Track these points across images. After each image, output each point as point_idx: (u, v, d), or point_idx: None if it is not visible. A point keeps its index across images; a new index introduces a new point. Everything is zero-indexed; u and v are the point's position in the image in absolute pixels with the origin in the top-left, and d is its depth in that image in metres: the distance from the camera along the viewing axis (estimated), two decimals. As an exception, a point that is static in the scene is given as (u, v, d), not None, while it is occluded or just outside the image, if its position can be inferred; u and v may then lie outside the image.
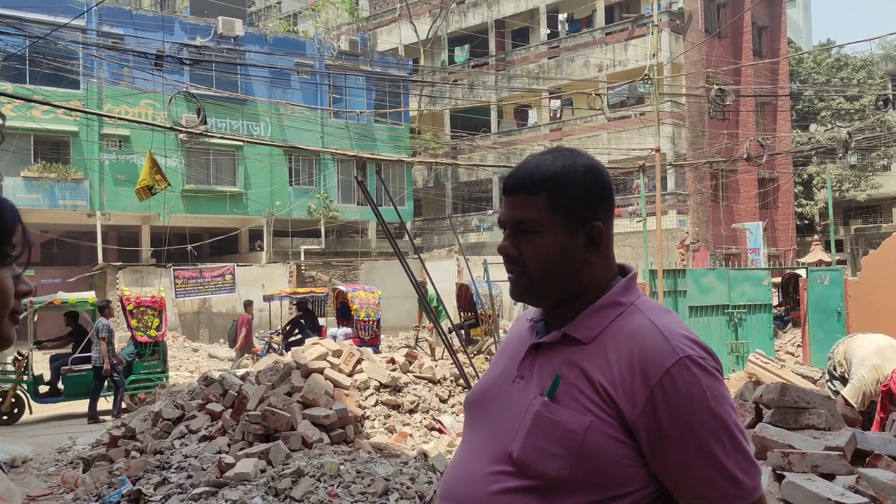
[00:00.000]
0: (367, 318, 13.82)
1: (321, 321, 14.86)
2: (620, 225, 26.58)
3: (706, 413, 1.25)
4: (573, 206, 1.36)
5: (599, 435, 1.27)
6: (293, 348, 9.86)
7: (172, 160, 24.27)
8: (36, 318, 12.83)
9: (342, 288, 14.78)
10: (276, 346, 13.97)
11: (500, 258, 1.45)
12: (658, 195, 15.37)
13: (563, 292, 1.38)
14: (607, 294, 1.38)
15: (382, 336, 21.82)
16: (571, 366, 1.33)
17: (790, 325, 17.64)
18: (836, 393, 5.44)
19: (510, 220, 1.39)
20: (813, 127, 36.98)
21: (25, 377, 11.17)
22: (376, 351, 12.07)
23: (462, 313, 16.84)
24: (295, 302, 14.40)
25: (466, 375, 5.88)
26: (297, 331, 14.02)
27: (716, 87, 19.58)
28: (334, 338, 13.90)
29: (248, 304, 14.91)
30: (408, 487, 5.48)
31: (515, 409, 1.36)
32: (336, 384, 7.90)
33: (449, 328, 14.20)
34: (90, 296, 12.21)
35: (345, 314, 14.51)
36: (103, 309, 11.59)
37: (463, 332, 15.91)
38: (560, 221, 1.36)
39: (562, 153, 1.41)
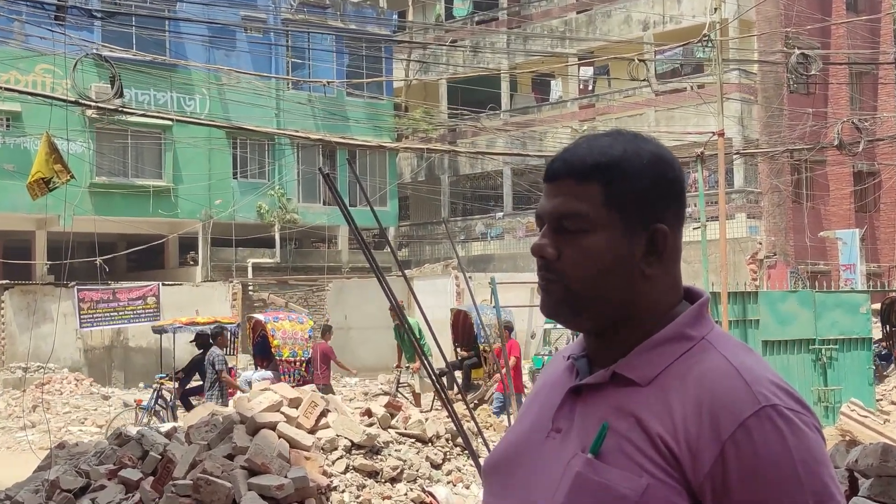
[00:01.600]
0: (292, 358, 13.87)
1: (231, 361, 14.91)
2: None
3: (791, 480, 1.26)
4: (633, 202, 1.39)
5: (658, 502, 1.28)
6: (237, 396, 9.82)
7: (78, 145, 24.27)
8: None
9: (259, 317, 14.81)
10: (167, 394, 13.94)
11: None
12: (721, 193, 15.41)
13: (609, 312, 1.40)
14: (672, 324, 1.40)
15: (356, 380, 21.80)
16: (623, 414, 1.35)
17: (895, 365, 17.66)
18: None
19: (551, 214, 1.42)
20: (926, 104, 37.14)
21: None
22: None
23: (459, 349, 16.82)
24: (191, 339, 14.47)
25: (466, 433, 5.87)
26: (196, 375, 14.11)
27: (798, 51, 19.68)
28: (248, 383, 14.00)
29: (326, 330, 15.15)
30: (388, 582, 5.44)
31: (551, 471, 1.38)
32: (293, 444, 7.87)
33: (441, 369, 14.24)
34: None
35: (265, 352, 14.52)
36: (216, 336, 12.58)
37: (461, 373, 15.87)
38: (615, 220, 1.39)
39: (623, 136, 1.44)
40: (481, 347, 15.38)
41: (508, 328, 14.37)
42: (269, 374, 13.91)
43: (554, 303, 1.42)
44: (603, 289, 1.39)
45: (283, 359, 13.85)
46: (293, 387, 13.21)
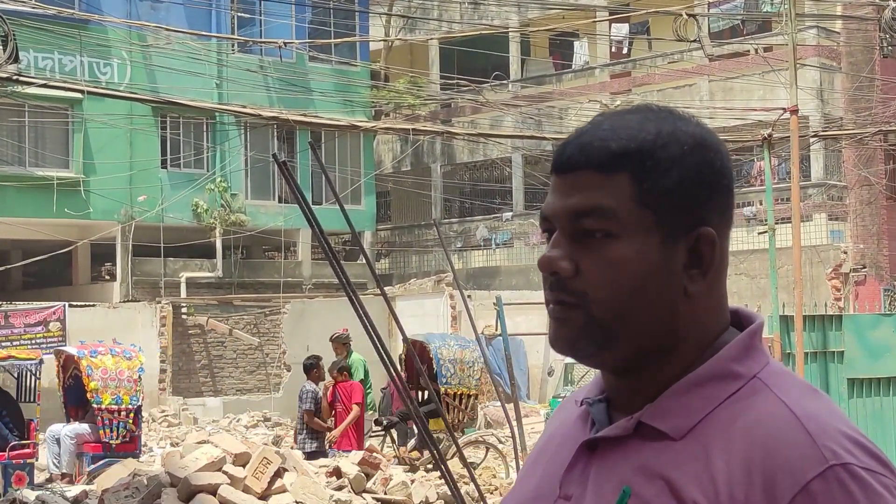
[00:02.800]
0: (115, 406, 13.69)
1: (30, 411, 14.59)
2: (731, 238, 26.55)
3: None
4: (672, 199, 1.39)
5: None
6: (167, 450, 9.79)
7: (-40, 124, 24.29)
8: None
9: (71, 351, 14.53)
10: None
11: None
12: (795, 188, 15.44)
13: (643, 344, 1.39)
14: (714, 358, 1.39)
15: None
16: (649, 475, 1.34)
17: None
18: None
19: (565, 213, 1.41)
20: None
21: None
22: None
23: (414, 390, 16.69)
24: None
25: (464, 498, 5.87)
26: None
27: (893, 3, 19.76)
28: (57, 441, 13.82)
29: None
30: None
31: None
32: (239, 513, 7.87)
33: (390, 419, 14.52)
34: None
35: (79, 398, 14.31)
36: (311, 369, 13.20)
37: (416, 423, 15.70)
38: (649, 222, 1.38)
39: (655, 113, 1.44)
40: (443, 390, 14.97)
41: (343, 368, 14.06)
42: (84, 427, 13.75)
43: (571, 334, 1.40)
44: (637, 314, 1.37)
45: (104, 407, 13.62)
46: (117, 445, 13.11)
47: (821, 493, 1.25)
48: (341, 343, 14.85)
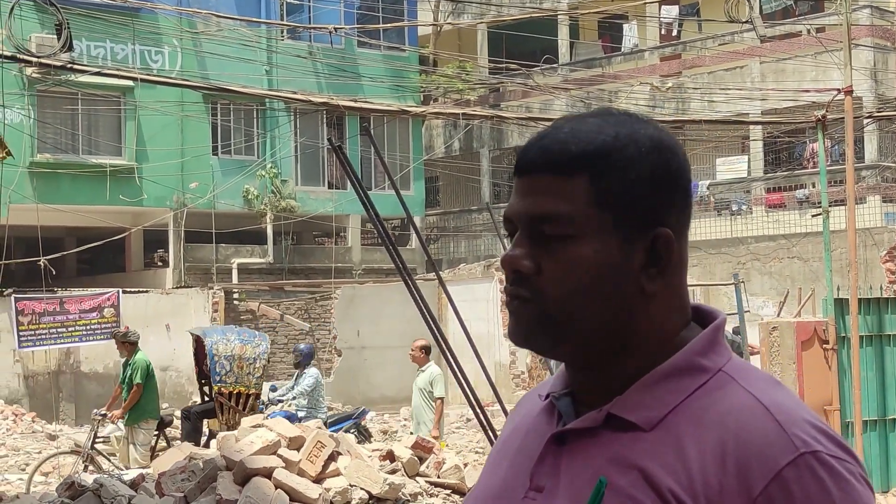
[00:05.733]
0: None
1: None
2: (784, 221, 26.33)
3: None
4: (630, 200, 1.43)
5: None
6: (222, 434, 9.86)
7: (15, 112, 24.52)
8: None
9: None
10: None
11: None
12: (849, 170, 15.25)
13: (597, 340, 1.44)
14: (681, 353, 1.44)
15: (372, 415, 21.81)
16: (623, 465, 1.38)
17: None
18: None
19: (526, 217, 1.45)
20: None
21: None
22: None
23: (204, 387, 15.49)
24: None
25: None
26: None
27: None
28: None
29: None
30: None
31: None
32: (294, 496, 7.91)
33: (165, 416, 13.75)
34: None
35: None
36: None
37: (190, 422, 14.75)
38: (607, 223, 1.42)
39: (615, 117, 1.49)
40: (216, 388, 14.20)
41: None
42: None
43: (527, 325, 1.45)
44: (591, 311, 1.42)
45: None
46: None
47: (793, 479, 1.31)
48: (122, 342, 13.62)
